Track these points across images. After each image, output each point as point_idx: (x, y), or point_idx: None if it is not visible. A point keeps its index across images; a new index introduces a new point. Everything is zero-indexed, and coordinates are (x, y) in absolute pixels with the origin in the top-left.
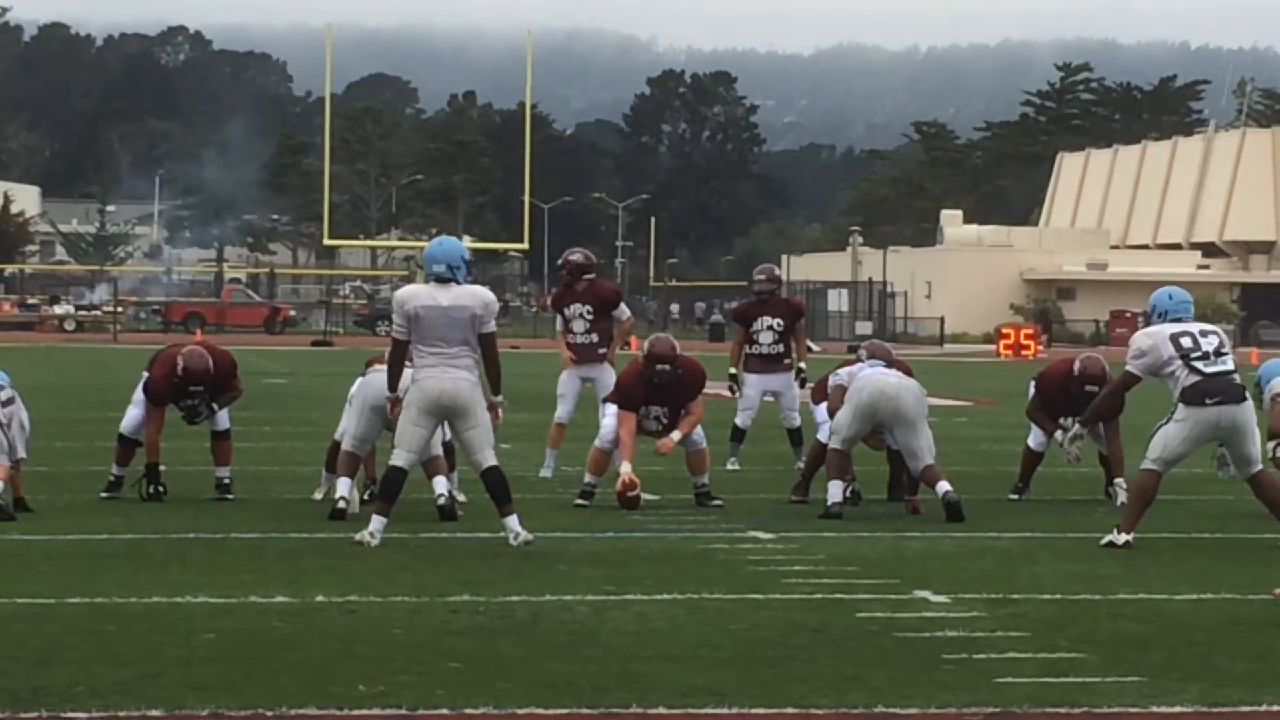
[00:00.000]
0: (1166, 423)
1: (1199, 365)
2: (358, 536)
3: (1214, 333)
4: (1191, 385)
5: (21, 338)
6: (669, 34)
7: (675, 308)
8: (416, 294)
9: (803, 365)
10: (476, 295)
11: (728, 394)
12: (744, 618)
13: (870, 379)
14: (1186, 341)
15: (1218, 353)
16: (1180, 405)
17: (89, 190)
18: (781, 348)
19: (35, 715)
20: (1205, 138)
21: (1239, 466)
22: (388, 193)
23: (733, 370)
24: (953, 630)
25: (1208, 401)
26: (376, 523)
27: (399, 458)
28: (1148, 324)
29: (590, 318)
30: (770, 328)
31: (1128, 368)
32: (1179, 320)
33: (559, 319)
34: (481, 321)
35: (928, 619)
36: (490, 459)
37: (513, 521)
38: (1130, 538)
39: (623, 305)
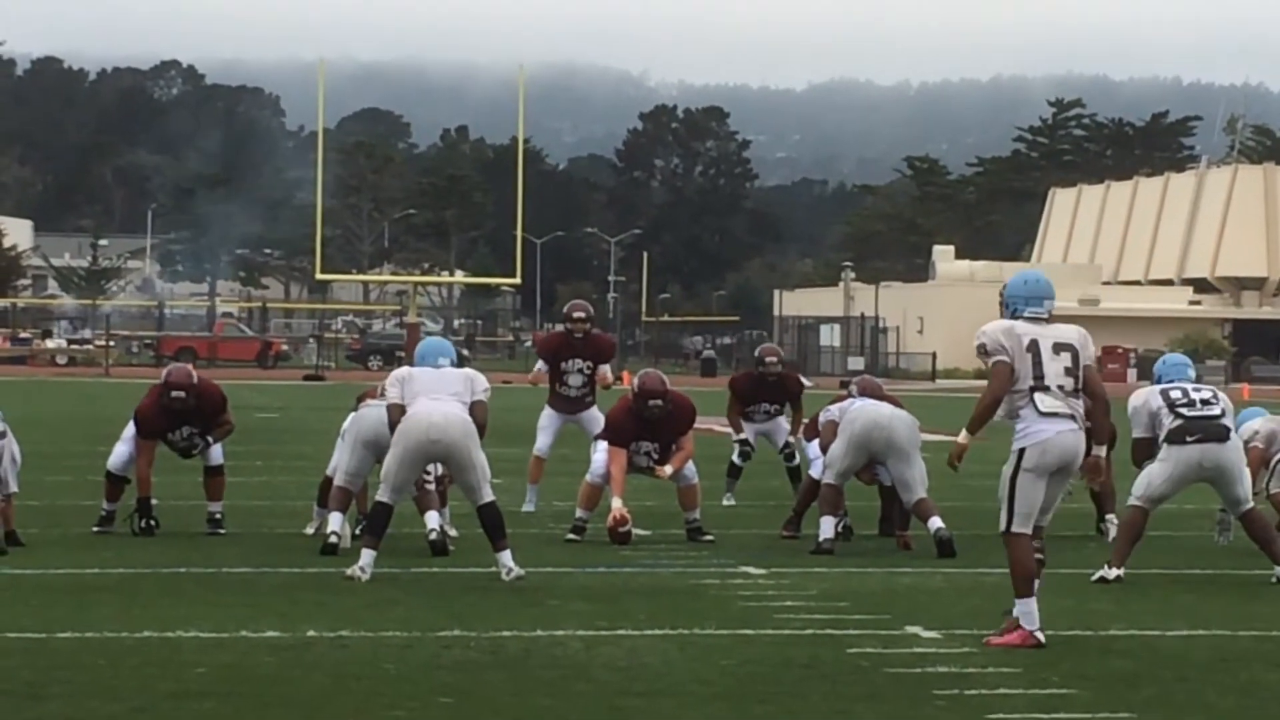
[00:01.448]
0: (1151, 461)
1: (1183, 410)
2: (349, 571)
3: (1209, 389)
4: (1175, 427)
5: (14, 371)
6: (661, 69)
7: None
8: (410, 369)
9: (791, 440)
10: (469, 370)
11: (732, 440)
12: (735, 653)
13: (863, 411)
14: (1176, 394)
15: (1205, 402)
16: (1164, 445)
17: (81, 224)
18: (779, 418)
19: None
20: (1197, 174)
21: (1230, 508)
22: (380, 227)
23: (741, 437)
24: (944, 666)
25: (1188, 439)
26: (366, 557)
27: (385, 493)
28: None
29: (588, 372)
30: (767, 412)
31: (1133, 435)
32: (1172, 383)
33: (540, 362)
34: (474, 384)
35: (919, 655)
36: (488, 495)
37: (505, 557)
38: (1121, 572)
39: None
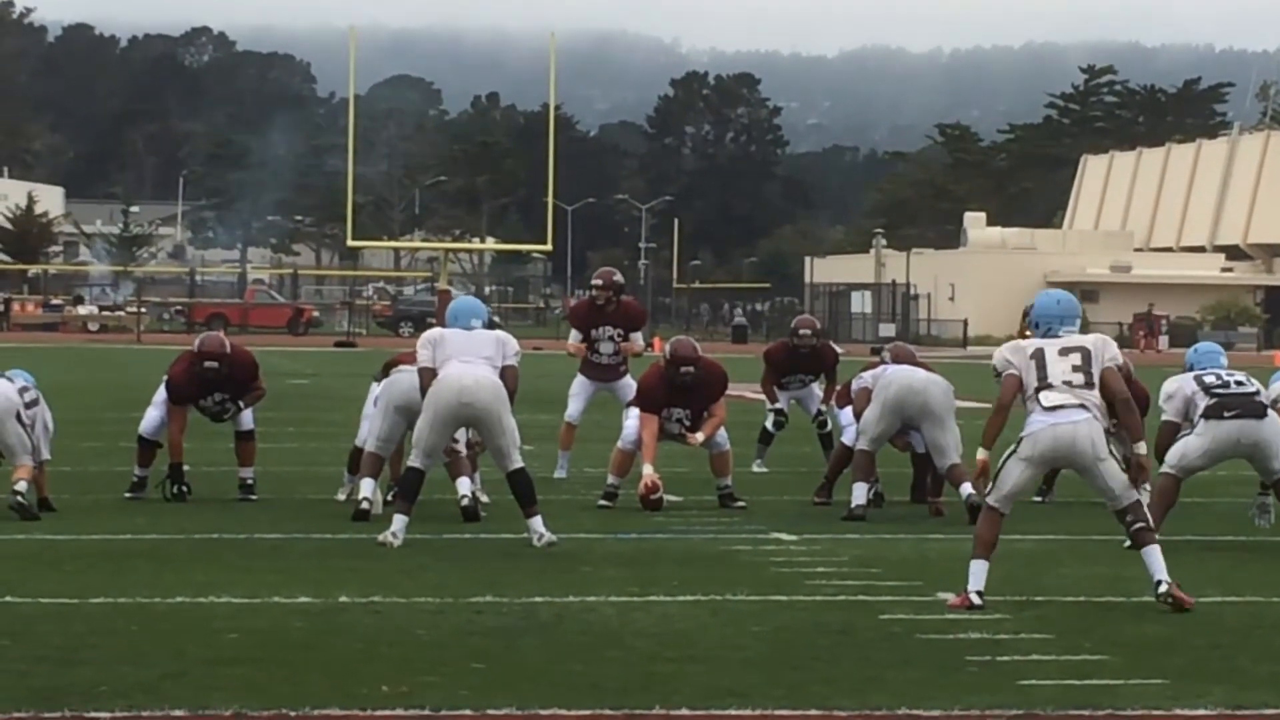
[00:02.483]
0: (1188, 433)
1: (1219, 391)
2: (381, 537)
3: (1242, 374)
4: (1212, 404)
5: (45, 338)
6: (693, 36)
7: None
8: (442, 330)
9: (823, 408)
10: (500, 333)
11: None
12: (767, 619)
13: (897, 375)
14: (1210, 379)
15: (1239, 383)
16: (1201, 421)
17: (112, 191)
18: (813, 385)
19: (59, 715)
20: (1229, 140)
21: (1265, 478)
22: (411, 194)
23: (775, 405)
24: (976, 632)
25: (1225, 414)
26: (398, 522)
27: (416, 459)
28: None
29: (620, 339)
30: (802, 380)
31: (1163, 417)
32: (1205, 370)
33: (574, 332)
34: (505, 348)
35: (951, 621)
36: (517, 460)
37: (537, 523)
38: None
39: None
